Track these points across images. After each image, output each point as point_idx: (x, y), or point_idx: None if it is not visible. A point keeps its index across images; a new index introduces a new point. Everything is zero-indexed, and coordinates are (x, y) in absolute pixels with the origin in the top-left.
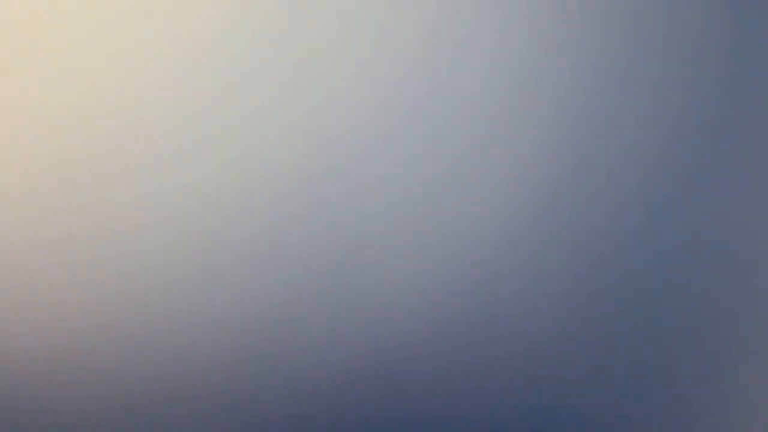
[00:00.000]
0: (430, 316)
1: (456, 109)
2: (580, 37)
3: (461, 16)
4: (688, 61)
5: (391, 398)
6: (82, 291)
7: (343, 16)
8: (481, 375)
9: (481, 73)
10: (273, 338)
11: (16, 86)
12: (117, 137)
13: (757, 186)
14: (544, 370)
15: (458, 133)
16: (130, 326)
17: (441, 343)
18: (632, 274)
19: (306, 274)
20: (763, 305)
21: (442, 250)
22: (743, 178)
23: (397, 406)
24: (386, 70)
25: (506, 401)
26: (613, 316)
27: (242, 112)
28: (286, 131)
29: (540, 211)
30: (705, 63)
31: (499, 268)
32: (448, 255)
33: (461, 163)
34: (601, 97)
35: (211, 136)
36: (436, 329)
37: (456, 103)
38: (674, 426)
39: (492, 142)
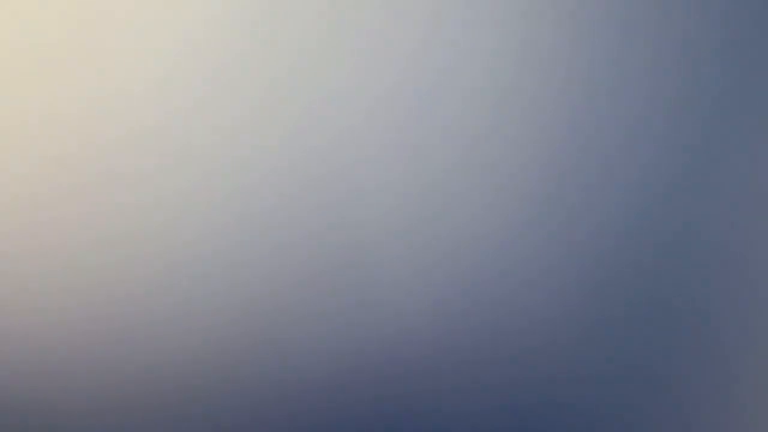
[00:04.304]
0: (431, 315)
1: (455, 110)
2: (578, 37)
3: (459, 18)
4: (687, 60)
5: (392, 396)
6: (84, 295)
7: (340, 18)
8: (482, 373)
9: (482, 73)
10: (274, 338)
11: (17, 93)
12: (116, 142)
13: (756, 185)
14: (544, 368)
15: (457, 134)
16: (131, 327)
17: (442, 341)
18: (632, 273)
19: (307, 274)
20: (763, 304)
21: (442, 249)
22: (743, 176)
23: (397, 404)
24: (387, 71)
25: (507, 400)
26: (613, 315)
27: (242, 114)
28: (286, 133)
29: (539, 210)
30: (703, 62)
31: (499, 268)
32: (448, 254)
33: (460, 164)
34: (599, 96)
35: (211, 139)
36: (436, 328)
37: (455, 103)
38: (674, 426)
39: (491, 142)
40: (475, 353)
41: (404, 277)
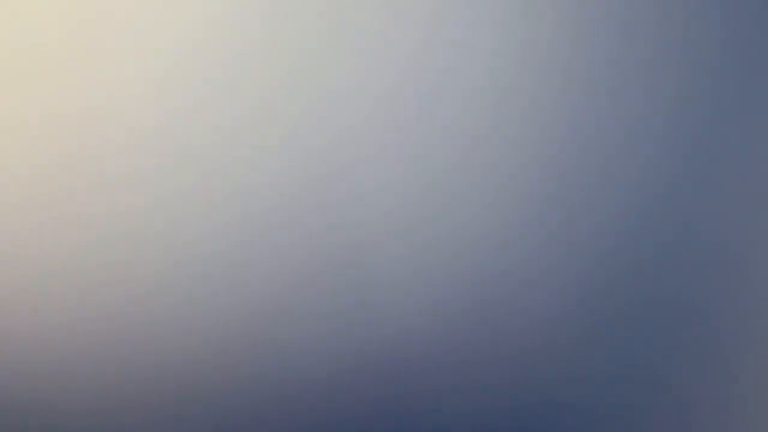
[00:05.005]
0: (431, 315)
1: (455, 110)
2: (578, 37)
3: (459, 18)
4: (687, 60)
5: (392, 396)
6: (84, 295)
7: (340, 18)
8: (482, 373)
9: (482, 73)
10: (274, 338)
11: (17, 93)
12: (116, 142)
13: (756, 185)
14: (544, 368)
15: (457, 134)
16: (131, 327)
17: (442, 341)
18: (632, 273)
19: (307, 274)
20: (763, 304)
21: (442, 249)
22: (743, 176)
23: (397, 404)
24: (387, 71)
25: (507, 400)
26: (613, 315)
27: (242, 114)
28: (286, 133)
29: (539, 210)
30: (703, 62)
31: (499, 268)
32: (448, 254)
33: (460, 164)
34: (599, 96)
35: (211, 139)
36: (436, 328)
37: (455, 103)
38: (674, 426)
39: (491, 142)
40: (475, 353)
41: (404, 277)
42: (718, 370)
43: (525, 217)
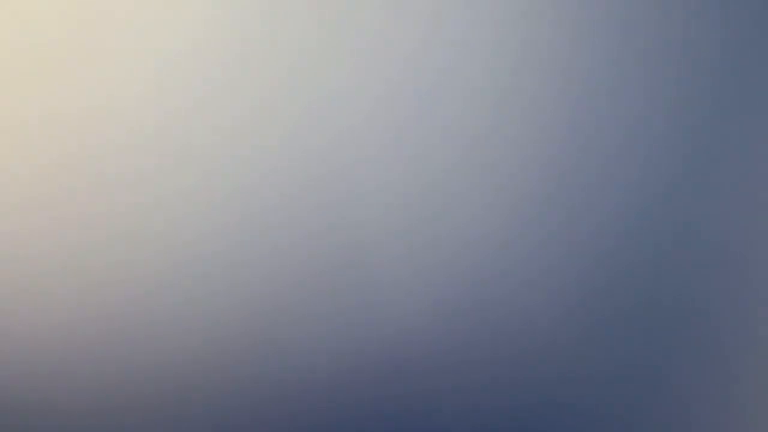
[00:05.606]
0: (431, 315)
1: (455, 110)
2: (578, 37)
3: (459, 18)
4: (687, 60)
5: (392, 396)
6: (84, 295)
7: (340, 18)
8: (482, 373)
9: (482, 73)
10: (274, 338)
11: (17, 93)
12: (116, 142)
13: (756, 185)
14: (544, 368)
15: (457, 134)
16: (131, 327)
17: (442, 341)
18: (632, 273)
19: (307, 274)
20: (763, 304)
21: (442, 249)
22: (743, 176)
23: (397, 404)
24: (387, 71)
25: (507, 400)
26: (613, 315)
27: (242, 114)
28: (286, 133)
29: (539, 210)
30: (703, 62)
31: (499, 268)
32: (448, 254)
33: (460, 164)
34: (599, 96)
35: (211, 139)
36: (436, 328)
37: (455, 103)
38: (674, 426)
39: (491, 142)
40: (475, 353)
41: (404, 277)
42: (718, 370)
43: (525, 217)
